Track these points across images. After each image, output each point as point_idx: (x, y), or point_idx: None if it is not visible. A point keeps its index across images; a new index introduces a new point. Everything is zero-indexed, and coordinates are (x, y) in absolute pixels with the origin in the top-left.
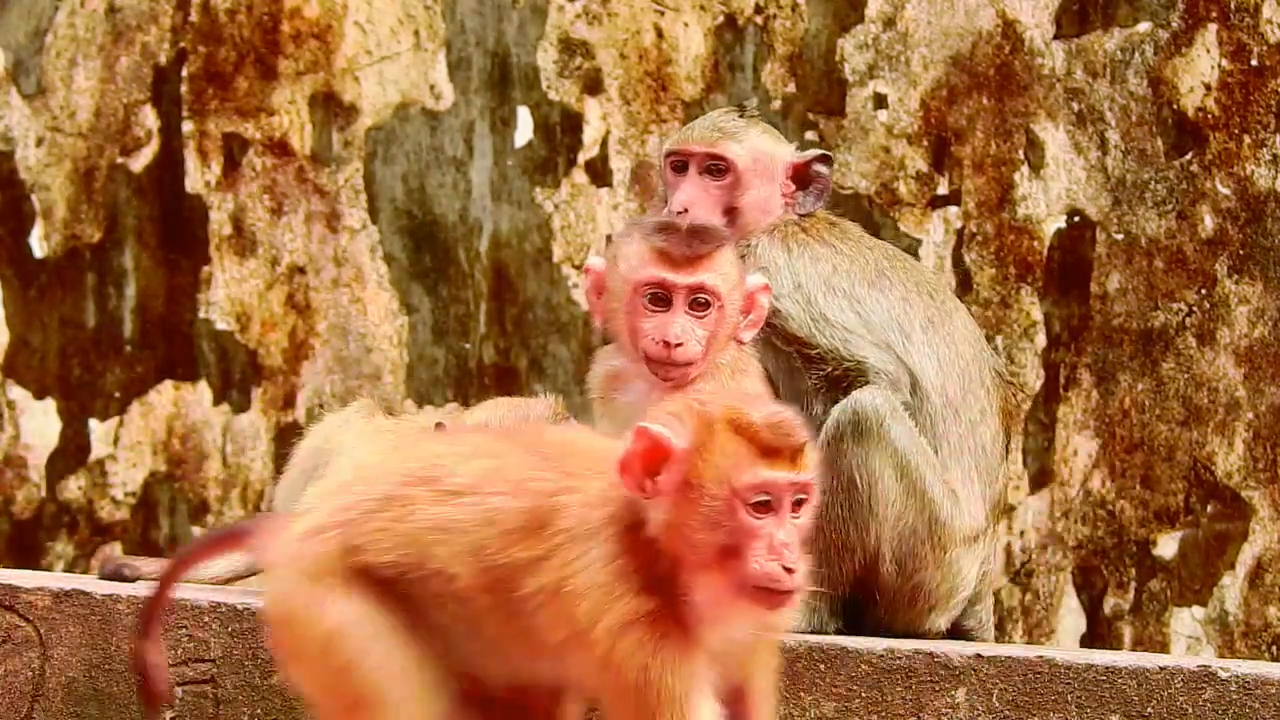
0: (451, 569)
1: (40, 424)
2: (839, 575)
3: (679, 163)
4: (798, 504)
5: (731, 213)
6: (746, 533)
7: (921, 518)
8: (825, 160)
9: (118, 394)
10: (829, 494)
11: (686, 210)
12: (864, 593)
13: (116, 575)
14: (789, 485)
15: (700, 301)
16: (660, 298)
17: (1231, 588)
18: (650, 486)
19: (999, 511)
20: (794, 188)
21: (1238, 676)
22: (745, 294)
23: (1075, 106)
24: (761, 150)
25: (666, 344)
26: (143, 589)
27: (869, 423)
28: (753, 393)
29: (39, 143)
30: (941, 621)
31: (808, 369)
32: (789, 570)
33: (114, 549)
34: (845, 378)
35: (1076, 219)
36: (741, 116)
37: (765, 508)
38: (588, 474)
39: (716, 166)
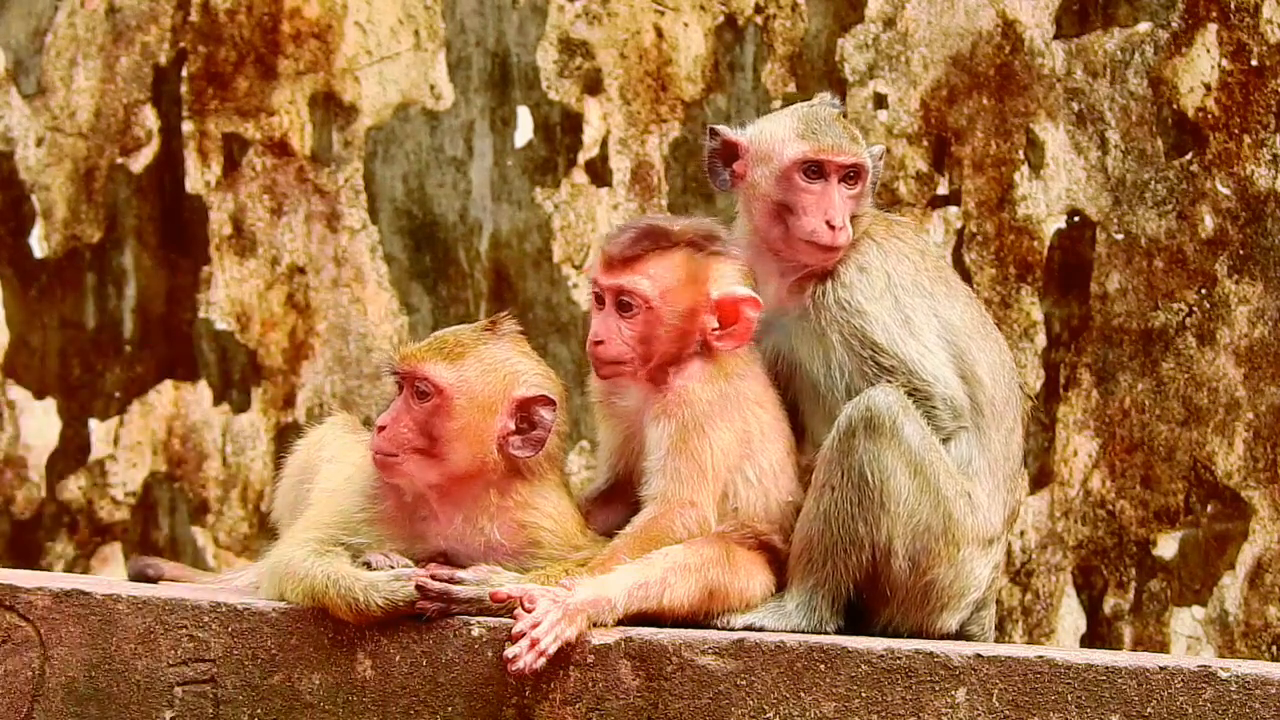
0: None
1: (40, 424)
2: (844, 570)
3: (814, 169)
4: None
5: (854, 220)
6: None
7: (936, 515)
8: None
9: (118, 394)
10: (838, 489)
11: (845, 227)
12: (874, 591)
13: (140, 575)
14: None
15: (624, 304)
16: (599, 297)
17: (1231, 588)
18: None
19: (1013, 520)
20: None
21: (1238, 676)
22: (730, 302)
23: (1075, 106)
24: (874, 156)
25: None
26: (148, 589)
27: (881, 420)
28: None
29: (39, 143)
30: (953, 622)
31: (879, 375)
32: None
33: (114, 549)
34: (911, 394)
35: (1076, 219)
36: (842, 115)
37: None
38: None
39: (852, 174)
